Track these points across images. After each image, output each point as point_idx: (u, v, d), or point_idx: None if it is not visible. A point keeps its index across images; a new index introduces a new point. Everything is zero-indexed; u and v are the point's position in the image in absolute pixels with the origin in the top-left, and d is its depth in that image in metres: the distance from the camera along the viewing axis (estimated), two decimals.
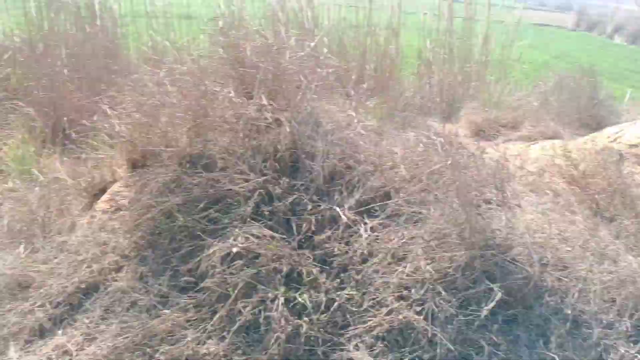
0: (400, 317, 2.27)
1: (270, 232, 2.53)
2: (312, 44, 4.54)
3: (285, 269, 2.42)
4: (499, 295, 2.24)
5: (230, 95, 3.57)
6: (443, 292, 2.29)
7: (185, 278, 2.47)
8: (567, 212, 2.83)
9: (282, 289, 2.37)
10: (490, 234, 2.60)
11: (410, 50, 7.78)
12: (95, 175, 3.03)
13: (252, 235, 2.47)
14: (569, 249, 2.51)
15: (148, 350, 2.22)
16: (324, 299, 2.36)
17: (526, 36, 7.08)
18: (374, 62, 6.83)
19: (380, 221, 2.79)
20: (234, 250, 2.41)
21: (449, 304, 2.25)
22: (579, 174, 3.17)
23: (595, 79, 5.96)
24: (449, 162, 2.86)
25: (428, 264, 2.44)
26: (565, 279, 2.34)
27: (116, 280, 2.52)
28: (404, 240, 2.62)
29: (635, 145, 3.60)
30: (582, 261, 2.43)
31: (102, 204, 2.98)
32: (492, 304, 2.21)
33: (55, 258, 2.66)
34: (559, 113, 5.24)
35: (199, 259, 2.46)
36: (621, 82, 9.75)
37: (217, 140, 3.13)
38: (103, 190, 3.06)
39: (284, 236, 2.58)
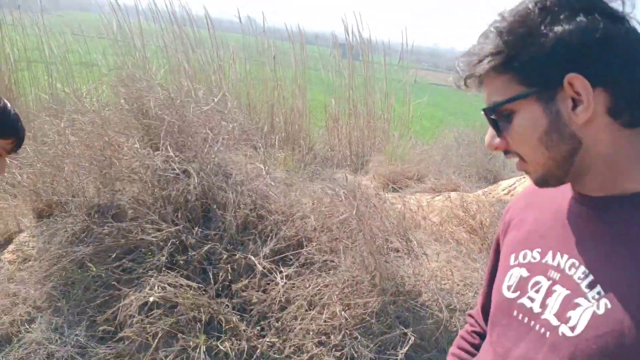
0: None
1: (187, 281, 2.50)
2: (216, 99, 4.61)
3: (204, 317, 2.39)
4: (412, 340, 2.31)
5: (136, 146, 3.51)
6: (360, 337, 2.33)
7: (103, 327, 2.38)
8: (469, 260, 3.01)
9: (203, 337, 2.33)
10: (400, 281, 2.69)
11: (315, 105, 8.06)
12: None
13: (169, 284, 2.44)
14: (472, 294, 2.66)
15: None
16: (246, 346, 2.34)
17: (423, 94, 7.60)
18: (283, 115, 7.00)
19: (295, 269, 2.81)
20: (151, 299, 2.35)
21: (367, 348, 2.30)
22: (476, 224, 3.39)
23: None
24: (354, 212, 2.97)
25: (344, 310, 2.48)
26: None
27: (30, 332, 2.40)
28: (318, 288, 2.66)
29: None
30: None
31: (8, 254, 2.83)
32: (406, 348, 2.28)
33: None
34: (459, 166, 5.61)
35: (116, 308, 2.38)
36: None
37: (125, 191, 3.05)
38: (8, 240, 2.89)
39: (201, 285, 2.57)
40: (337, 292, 2.58)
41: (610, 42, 0.68)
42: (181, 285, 2.43)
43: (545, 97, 0.72)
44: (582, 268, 0.77)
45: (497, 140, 0.80)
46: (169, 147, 3.42)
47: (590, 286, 0.75)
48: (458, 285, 2.75)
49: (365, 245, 2.77)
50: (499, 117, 0.78)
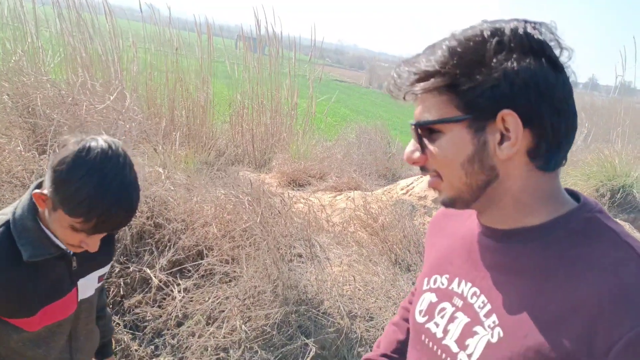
0: None
1: None
2: (112, 97, 4.36)
3: None
4: (313, 351, 2.31)
5: (19, 148, 3.23)
6: (260, 351, 2.29)
7: None
8: (370, 263, 3.07)
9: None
10: (303, 289, 2.69)
11: (220, 99, 7.87)
12: None
13: None
14: (373, 299, 2.71)
15: None
16: None
17: (329, 91, 7.68)
18: (185, 110, 6.77)
19: (194, 282, 2.72)
20: None
21: None
22: (378, 226, 3.48)
23: (388, 133, 6.69)
24: (258, 220, 2.93)
25: (244, 323, 2.43)
26: (373, 329, 2.52)
27: None
28: (218, 301, 2.59)
29: (424, 198, 4.09)
30: (386, 311, 2.64)
31: None
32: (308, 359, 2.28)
33: None
34: (360, 164, 5.73)
35: None
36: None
37: (5, 198, 2.79)
38: None
39: None
40: (238, 305, 2.52)
41: (549, 89, 0.71)
42: None
43: (477, 126, 0.74)
44: (482, 297, 0.80)
45: (418, 155, 0.81)
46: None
47: (487, 315, 0.78)
48: (360, 290, 2.79)
49: (269, 254, 2.74)
50: (425, 134, 0.79)
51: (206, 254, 2.91)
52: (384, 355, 1.13)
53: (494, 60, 0.71)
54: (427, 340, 0.87)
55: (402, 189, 4.36)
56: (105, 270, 1.33)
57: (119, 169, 1.02)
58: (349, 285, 2.81)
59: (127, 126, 4.17)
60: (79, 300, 1.25)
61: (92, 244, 1.08)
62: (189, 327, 2.44)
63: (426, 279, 0.93)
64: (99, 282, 1.31)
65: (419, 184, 4.24)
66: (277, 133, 6.82)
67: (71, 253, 1.17)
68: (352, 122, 8.14)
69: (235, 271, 2.75)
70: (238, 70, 7.26)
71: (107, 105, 4.20)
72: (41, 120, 3.87)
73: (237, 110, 6.98)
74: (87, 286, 1.27)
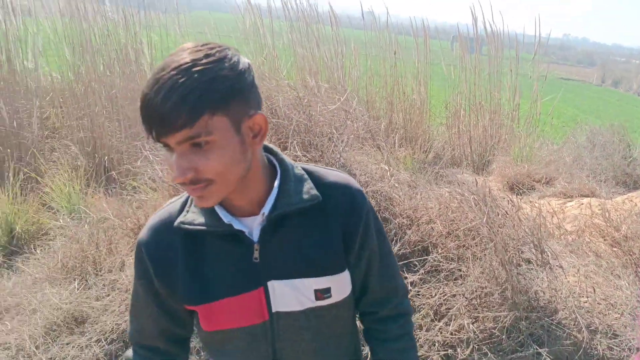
0: None
1: None
2: (342, 98, 4.67)
3: None
4: None
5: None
6: (490, 354, 2.26)
7: None
8: (611, 276, 2.79)
9: None
10: (534, 296, 2.57)
11: (436, 101, 7.88)
12: (140, 217, 3.09)
13: None
14: (617, 315, 2.47)
15: None
16: None
17: (554, 90, 7.12)
18: (402, 112, 6.94)
19: (421, 276, 2.79)
20: None
21: None
22: (620, 237, 3.13)
23: (627, 135, 5.96)
24: (485, 219, 2.87)
25: (472, 323, 2.42)
26: (617, 348, 2.29)
27: None
28: (445, 297, 2.61)
29: None
30: (632, 330, 2.38)
31: None
32: None
33: (108, 295, 2.72)
34: (593, 169, 5.22)
35: None
36: None
37: None
38: None
39: None
40: (465, 304, 2.52)
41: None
42: None
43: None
44: None
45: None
46: (296, 146, 3.53)
47: None
48: (599, 304, 2.57)
49: (496, 255, 2.67)
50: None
51: (431, 250, 2.96)
52: None
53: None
54: None
55: None
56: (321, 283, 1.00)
57: (180, 54, 0.81)
58: (587, 297, 2.60)
59: (355, 125, 4.44)
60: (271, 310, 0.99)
61: (170, 163, 0.86)
62: (416, 319, 2.51)
63: None
64: (317, 298, 1.00)
65: None
66: (496, 135, 6.58)
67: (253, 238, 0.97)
68: (582, 123, 7.43)
69: (460, 270, 2.75)
70: (454, 71, 7.18)
71: (337, 106, 4.54)
72: (282, 120, 4.35)
73: (453, 112, 6.92)
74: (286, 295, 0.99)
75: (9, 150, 4.39)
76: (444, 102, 7.27)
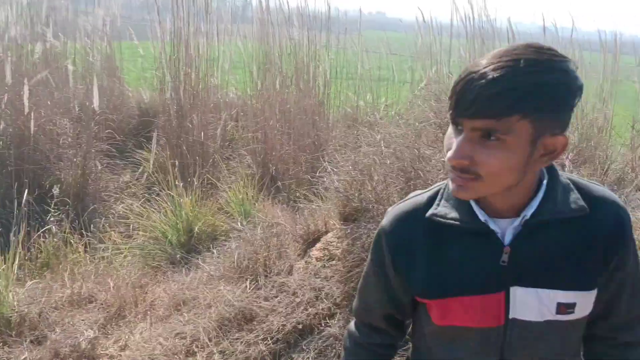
0: None
1: None
2: None
3: None
4: None
5: (443, 160, 3.58)
6: None
7: None
8: None
9: None
10: None
11: (618, 120, 7.12)
12: (310, 224, 3.22)
13: None
14: None
15: None
16: None
17: None
18: (577, 131, 6.38)
19: None
20: None
21: None
22: None
23: None
24: None
25: None
26: None
27: (329, 326, 2.60)
28: None
29: None
30: None
31: (316, 251, 3.12)
32: None
33: (276, 297, 2.83)
34: None
35: None
36: None
37: None
38: (316, 239, 3.21)
39: None
40: None
41: None
42: None
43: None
44: None
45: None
46: None
47: None
48: None
49: None
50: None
51: None
52: None
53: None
54: None
55: None
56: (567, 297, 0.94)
57: (521, 49, 0.80)
58: None
59: None
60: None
61: (451, 142, 0.86)
62: None
63: None
64: (558, 311, 0.94)
65: None
66: None
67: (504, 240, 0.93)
68: None
69: None
70: None
71: None
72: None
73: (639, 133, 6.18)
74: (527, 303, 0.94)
75: (196, 157, 4.88)
76: (630, 121, 6.54)
